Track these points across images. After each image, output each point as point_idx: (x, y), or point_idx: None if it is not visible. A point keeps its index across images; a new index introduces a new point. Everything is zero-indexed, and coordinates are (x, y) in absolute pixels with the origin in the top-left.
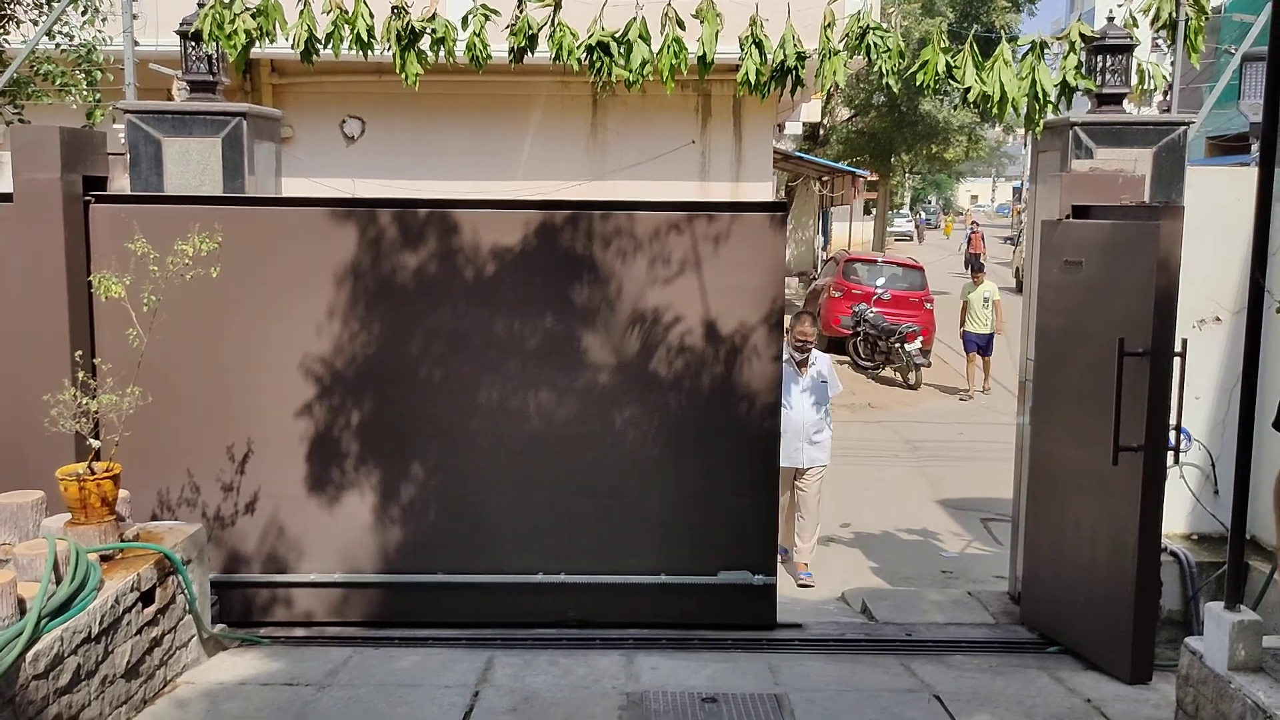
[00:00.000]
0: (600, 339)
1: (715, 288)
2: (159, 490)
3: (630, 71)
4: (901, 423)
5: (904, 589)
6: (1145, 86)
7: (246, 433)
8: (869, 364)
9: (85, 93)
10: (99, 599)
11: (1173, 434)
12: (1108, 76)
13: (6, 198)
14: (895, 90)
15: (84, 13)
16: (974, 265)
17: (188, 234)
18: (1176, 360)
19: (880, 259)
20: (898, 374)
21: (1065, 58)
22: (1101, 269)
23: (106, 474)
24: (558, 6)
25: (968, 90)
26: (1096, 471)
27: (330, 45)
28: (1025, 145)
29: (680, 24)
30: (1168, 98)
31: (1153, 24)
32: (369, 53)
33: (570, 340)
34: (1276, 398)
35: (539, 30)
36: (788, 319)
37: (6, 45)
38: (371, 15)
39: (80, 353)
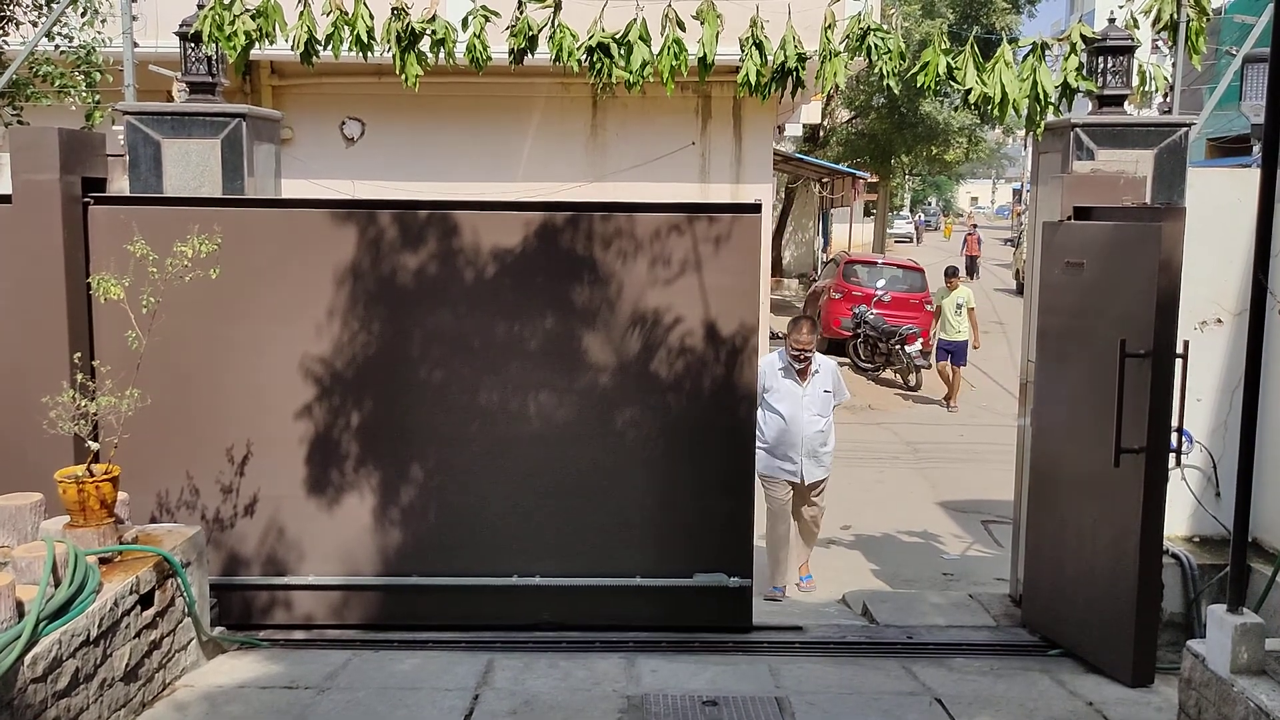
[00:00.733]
0: (571, 343)
1: (687, 290)
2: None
3: (630, 73)
4: (902, 424)
5: (905, 591)
6: (1146, 88)
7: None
8: (869, 366)
9: (84, 94)
10: (98, 602)
11: (1174, 436)
12: (1109, 78)
13: (5, 199)
14: (895, 92)
15: (83, 14)
16: (969, 268)
17: (187, 235)
18: (1178, 362)
19: (880, 261)
20: (898, 376)
21: (1066, 59)
22: (1103, 270)
23: (105, 476)
24: (558, 8)
25: (968, 92)
26: (1098, 473)
27: (330, 46)
28: (1025, 147)
29: (680, 25)
30: (1169, 99)
31: (1154, 25)
32: (369, 54)
33: (538, 344)
34: (1278, 400)
35: (539, 31)
36: (784, 324)
37: (6, 46)
38: (371, 16)
39: (79, 354)
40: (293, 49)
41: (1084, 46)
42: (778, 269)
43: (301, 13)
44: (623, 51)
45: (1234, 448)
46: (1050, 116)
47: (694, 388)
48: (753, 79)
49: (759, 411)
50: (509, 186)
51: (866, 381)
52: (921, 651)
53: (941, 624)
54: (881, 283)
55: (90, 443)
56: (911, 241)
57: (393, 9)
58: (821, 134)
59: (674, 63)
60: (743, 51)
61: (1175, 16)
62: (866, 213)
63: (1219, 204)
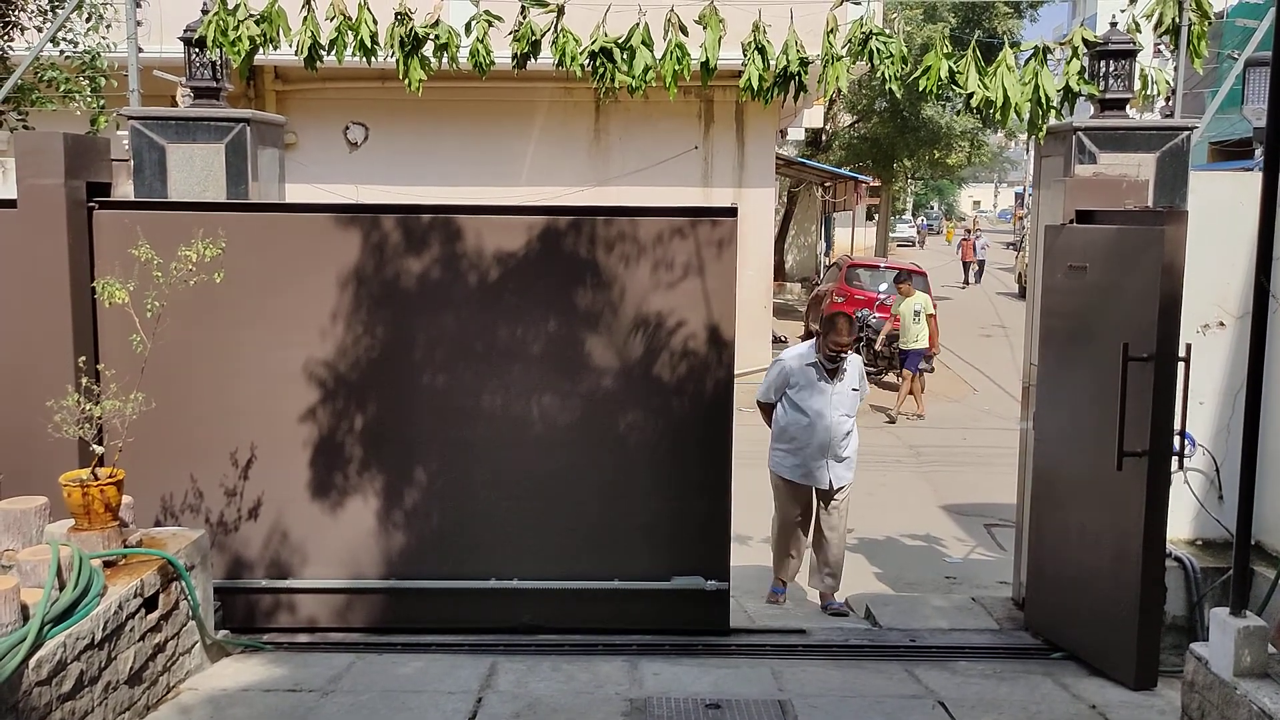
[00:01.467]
0: (547, 346)
1: (663, 293)
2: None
3: (633, 77)
4: (904, 428)
5: (908, 594)
6: (1148, 92)
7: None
8: (871, 369)
9: (89, 99)
10: (102, 605)
11: (1177, 439)
12: (1111, 82)
13: (10, 204)
14: (898, 96)
15: (88, 19)
16: (965, 274)
17: (191, 240)
18: (1181, 365)
19: (883, 264)
20: (901, 379)
21: (1068, 63)
22: (1105, 274)
23: (110, 480)
24: (560, 13)
25: (970, 96)
26: (1100, 477)
27: (334, 51)
28: (1028, 150)
29: (683, 30)
30: (1170, 103)
31: (1155, 29)
32: (372, 59)
33: (514, 347)
34: None
35: (542, 36)
36: (786, 327)
37: (11, 52)
38: (375, 21)
39: (84, 358)
40: (296, 54)
41: (1086, 50)
42: (780, 273)
43: (305, 18)
44: (625, 56)
45: (1237, 451)
46: (1052, 120)
47: (670, 390)
48: (755, 83)
49: (779, 409)
50: (512, 191)
51: (869, 384)
52: (924, 655)
53: (944, 627)
54: (884, 286)
55: (95, 446)
56: (914, 245)
57: (396, 14)
58: (824, 138)
59: (676, 67)
60: (745, 56)
61: (1177, 20)
62: (869, 217)
63: (1221, 207)
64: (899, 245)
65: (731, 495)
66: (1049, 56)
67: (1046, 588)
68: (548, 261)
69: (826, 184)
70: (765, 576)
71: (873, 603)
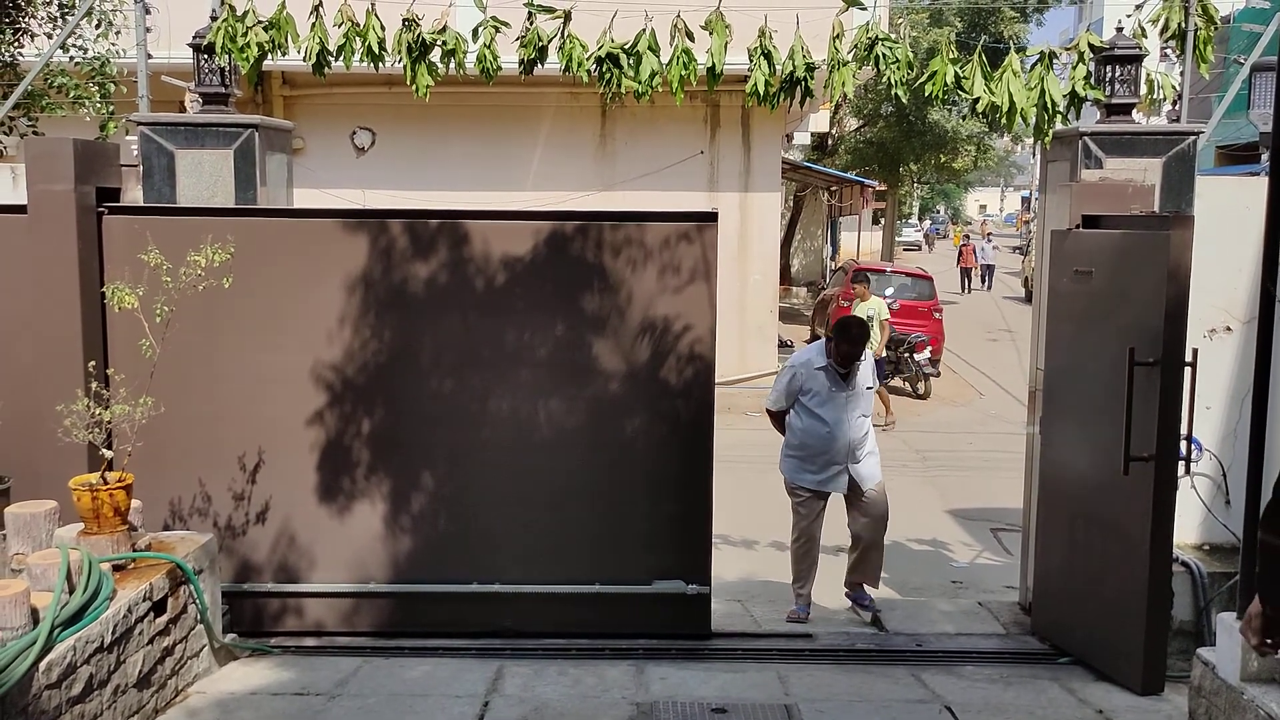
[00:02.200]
0: (527, 348)
1: (643, 296)
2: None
3: (639, 83)
4: (911, 432)
5: (914, 599)
6: (1154, 96)
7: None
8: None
9: (99, 105)
10: (111, 608)
11: (1184, 444)
12: (1116, 87)
13: (21, 209)
14: (904, 100)
15: (98, 26)
16: (964, 280)
17: (200, 245)
18: (1187, 370)
19: (889, 269)
20: (907, 384)
21: (1074, 68)
22: (1111, 278)
23: (119, 484)
24: (567, 19)
25: (976, 100)
26: (1107, 481)
27: (341, 57)
28: (1034, 155)
29: (689, 35)
30: (1177, 107)
31: (1161, 34)
32: (380, 64)
33: (494, 349)
34: None
35: (549, 42)
36: (789, 331)
37: (21, 58)
38: (383, 27)
39: (93, 363)
40: (304, 60)
41: (1092, 55)
42: (786, 277)
43: (313, 24)
44: (632, 62)
45: (1244, 455)
46: (1058, 125)
47: (651, 395)
48: (761, 88)
49: (794, 417)
50: (518, 196)
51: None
52: (931, 659)
53: (951, 632)
54: (890, 291)
55: (104, 450)
56: (920, 249)
57: (404, 20)
58: (830, 142)
59: (683, 72)
60: (751, 61)
61: (1183, 25)
62: (875, 221)
63: (1228, 212)
64: (905, 249)
65: (713, 499)
66: (1055, 61)
67: (1053, 592)
68: (528, 267)
69: (832, 188)
70: (772, 582)
71: (879, 607)
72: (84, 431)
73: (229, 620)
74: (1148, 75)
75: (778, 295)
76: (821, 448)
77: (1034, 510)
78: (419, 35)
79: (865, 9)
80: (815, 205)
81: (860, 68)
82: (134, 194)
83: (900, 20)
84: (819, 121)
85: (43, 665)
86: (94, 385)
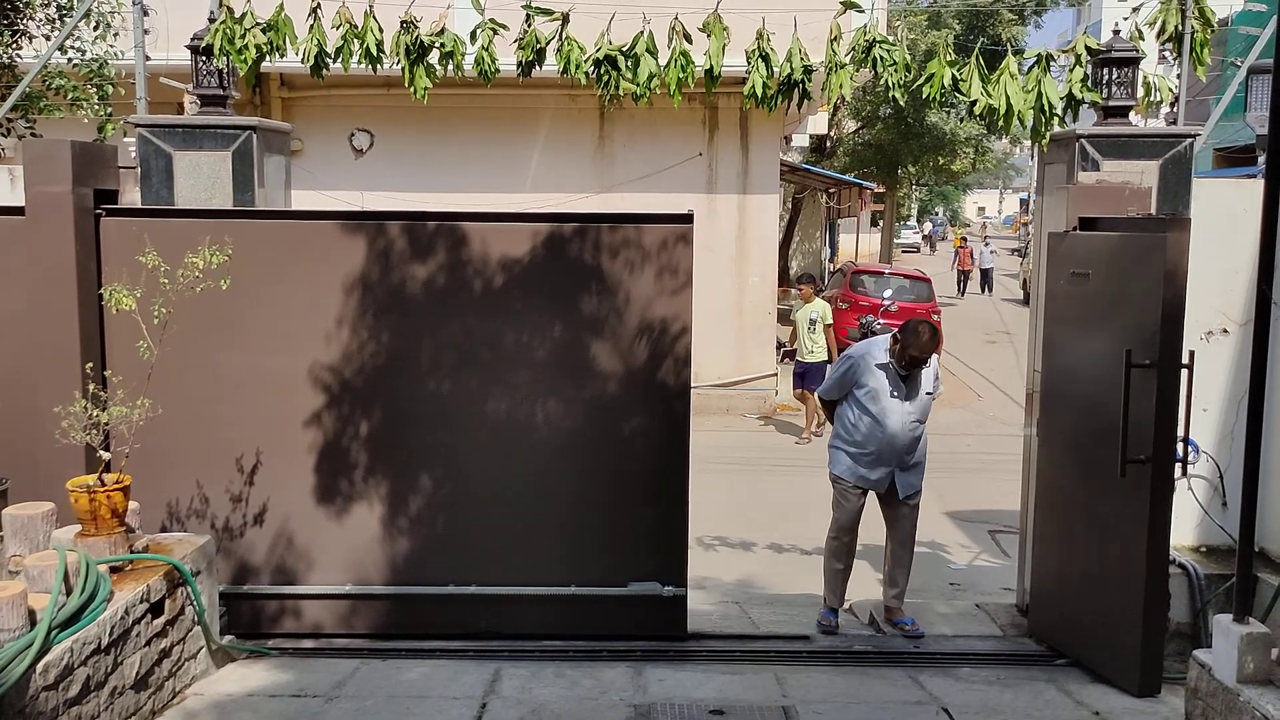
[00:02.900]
0: (503, 349)
1: (619, 298)
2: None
3: (637, 85)
4: None
5: (911, 601)
6: (1152, 99)
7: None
8: None
9: (97, 107)
10: (109, 610)
11: (1180, 446)
12: (1114, 89)
13: (18, 210)
14: (901, 103)
15: (96, 28)
16: (960, 284)
17: (198, 247)
18: (1184, 372)
19: (887, 271)
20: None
21: (1071, 70)
22: (1108, 281)
23: (116, 486)
24: (565, 21)
25: (974, 103)
26: (1104, 483)
27: (340, 59)
28: (1032, 157)
29: (687, 37)
30: (1174, 109)
31: (1158, 37)
32: (378, 67)
33: (470, 351)
34: None
35: (547, 44)
36: (790, 333)
37: (19, 60)
38: (381, 30)
39: (91, 364)
40: (303, 62)
41: (1089, 58)
42: (785, 279)
43: (312, 26)
44: (630, 64)
45: (1240, 458)
46: (1055, 128)
47: (626, 397)
48: (759, 91)
49: (846, 408)
50: (517, 198)
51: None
52: (928, 661)
53: (948, 633)
54: (888, 293)
55: (101, 452)
56: (919, 251)
57: (402, 22)
58: (828, 144)
59: (681, 75)
60: (749, 63)
61: (1180, 28)
62: (873, 223)
63: (1224, 214)
64: (904, 251)
65: (689, 501)
66: (1052, 64)
67: (1050, 594)
68: (498, 269)
69: (831, 190)
70: (769, 583)
71: (877, 609)
72: (81, 433)
73: (226, 622)
74: (1145, 77)
75: (776, 297)
76: (872, 445)
77: (1031, 512)
78: (417, 37)
79: (863, 11)
80: (814, 207)
81: (858, 70)
82: (132, 196)
83: (898, 23)
84: (817, 124)
85: (40, 667)
86: (91, 387)
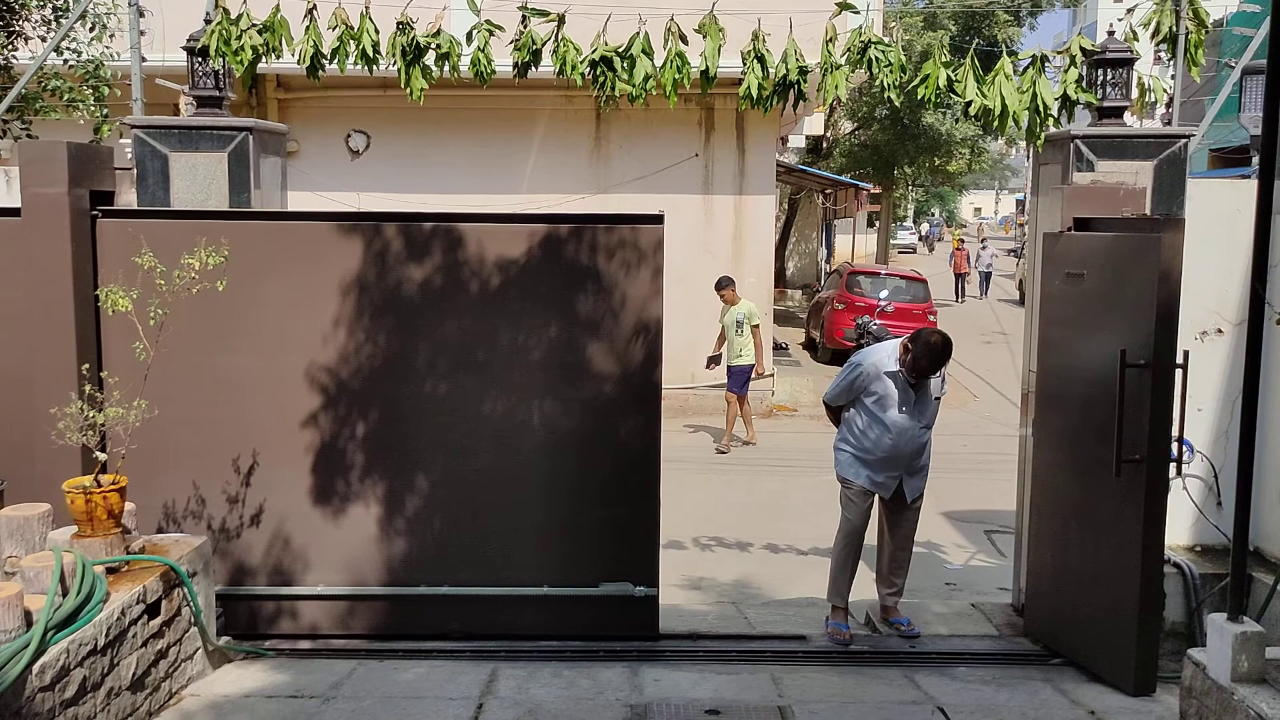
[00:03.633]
0: (472, 349)
1: (590, 298)
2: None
3: (633, 86)
4: None
5: (907, 600)
6: (1146, 100)
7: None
8: None
9: (93, 108)
10: (105, 611)
11: (1175, 445)
12: (1108, 90)
13: (14, 212)
14: (897, 104)
15: (92, 29)
16: (959, 288)
17: (194, 248)
18: (1178, 372)
19: (883, 271)
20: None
21: (1066, 71)
22: (1103, 281)
23: (113, 486)
24: (561, 22)
25: (969, 104)
26: (1099, 483)
27: (336, 60)
28: (1028, 158)
29: (683, 38)
30: (1169, 110)
31: (1152, 38)
32: (374, 68)
33: (440, 351)
34: (1278, 410)
35: (542, 45)
36: (787, 334)
37: (15, 61)
38: (376, 31)
39: (87, 366)
40: (299, 63)
41: (1084, 59)
42: (781, 280)
43: (308, 27)
44: (625, 65)
45: (1235, 457)
46: (1050, 128)
47: (596, 397)
48: (754, 91)
49: (854, 414)
50: (514, 199)
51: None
52: (924, 660)
53: (944, 633)
54: (885, 293)
55: (98, 453)
56: (915, 252)
57: (398, 23)
58: (825, 145)
59: (676, 76)
60: (745, 64)
61: (1174, 29)
62: (870, 224)
63: (1218, 215)
64: (900, 252)
65: (660, 501)
66: (1047, 65)
67: (1046, 594)
68: (471, 270)
69: (827, 191)
70: (766, 584)
71: (872, 609)
72: (78, 434)
73: (223, 623)
74: (1139, 78)
75: (773, 298)
76: (881, 451)
77: (1027, 512)
78: (413, 38)
79: (858, 12)
80: (810, 208)
81: (853, 71)
82: (128, 197)
83: (894, 24)
84: (814, 125)
85: (36, 668)
86: (88, 388)
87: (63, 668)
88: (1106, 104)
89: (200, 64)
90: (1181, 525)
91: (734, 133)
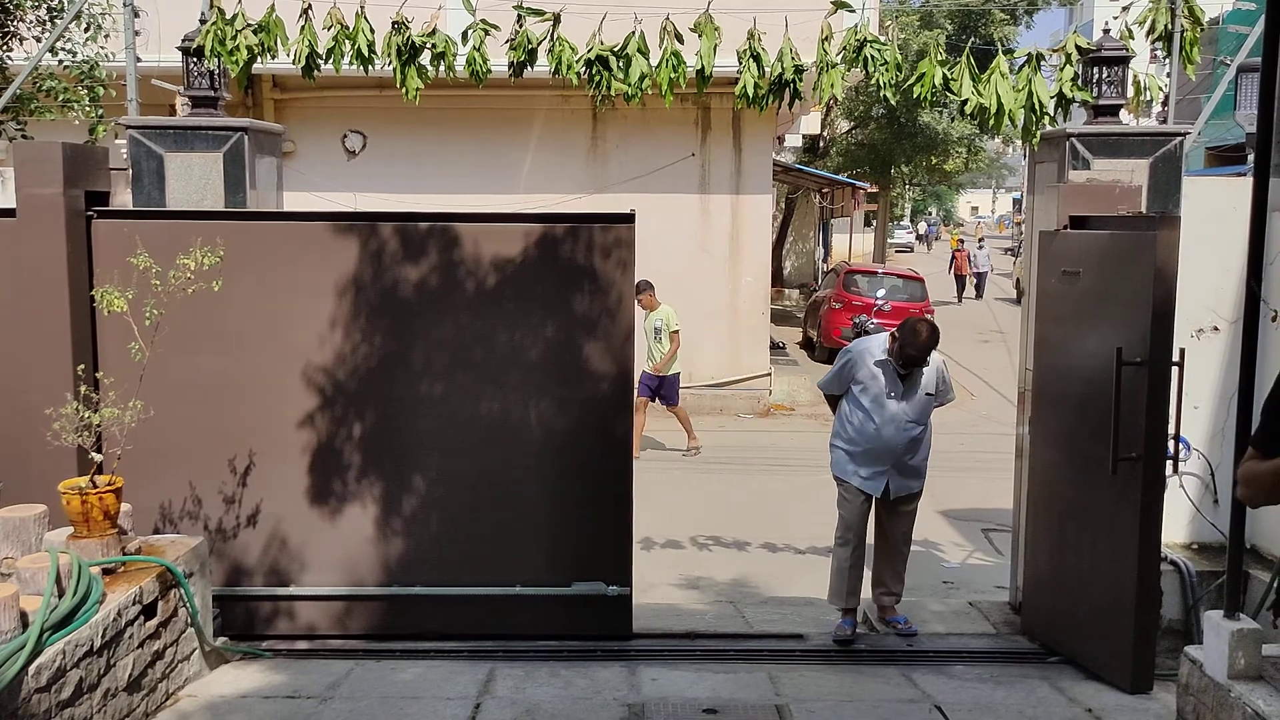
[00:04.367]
0: (441, 352)
1: (559, 295)
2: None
3: (629, 85)
4: None
5: (905, 599)
6: (1142, 98)
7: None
8: None
9: (88, 108)
10: (101, 612)
11: (1172, 443)
12: (1104, 88)
13: (9, 213)
14: (893, 103)
15: (87, 29)
16: (959, 289)
17: (189, 248)
18: (1175, 369)
19: (880, 271)
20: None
21: (1062, 69)
22: (1099, 279)
23: (109, 487)
24: (557, 21)
25: (965, 102)
26: (1096, 481)
27: (331, 60)
28: (1024, 156)
29: (678, 38)
30: (1165, 108)
31: (1148, 36)
32: (370, 68)
33: (409, 352)
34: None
35: (538, 45)
36: (784, 333)
37: (10, 62)
38: (372, 31)
39: (83, 366)
40: (294, 63)
41: (1079, 57)
42: (778, 279)
43: (303, 27)
44: (621, 64)
45: (1231, 455)
46: (1046, 127)
47: (567, 396)
48: (750, 90)
49: (844, 405)
50: (510, 199)
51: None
52: (921, 659)
53: (941, 631)
54: (882, 292)
55: (93, 454)
56: (912, 251)
57: (393, 23)
58: (821, 144)
59: (672, 75)
60: (740, 63)
61: (1169, 27)
62: (867, 223)
63: (1214, 212)
64: (897, 251)
65: (633, 501)
66: (1043, 63)
67: (1043, 592)
68: (444, 269)
69: (824, 190)
70: (763, 583)
71: (870, 608)
72: (73, 435)
73: (220, 624)
74: (1135, 77)
75: (770, 297)
76: (865, 443)
77: (1024, 510)
78: (408, 38)
79: (854, 11)
80: (807, 207)
81: (849, 70)
82: (123, 197)
83: (889, 23)
84: (810, 124)
85: (32, 669)
86: (83, 389)
87: (59, 669)
88: (1102, 102)
89: (195, 64)
90: (1178, 523)
91: (730, 132)
